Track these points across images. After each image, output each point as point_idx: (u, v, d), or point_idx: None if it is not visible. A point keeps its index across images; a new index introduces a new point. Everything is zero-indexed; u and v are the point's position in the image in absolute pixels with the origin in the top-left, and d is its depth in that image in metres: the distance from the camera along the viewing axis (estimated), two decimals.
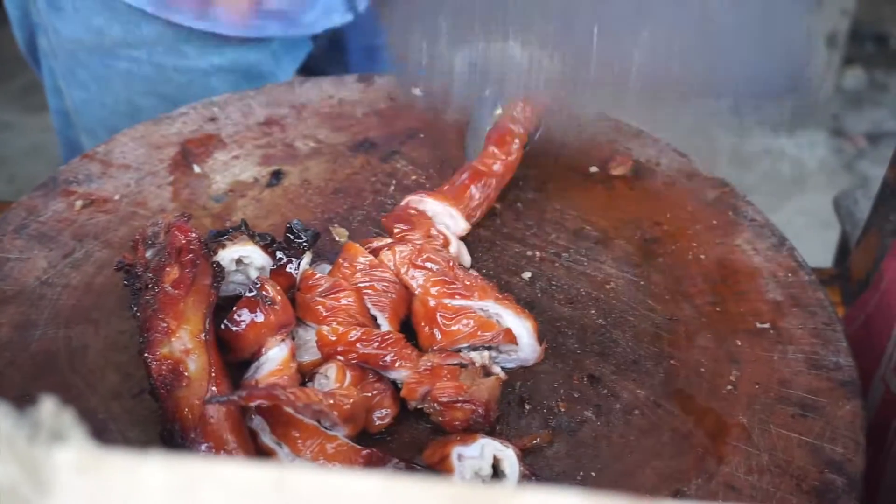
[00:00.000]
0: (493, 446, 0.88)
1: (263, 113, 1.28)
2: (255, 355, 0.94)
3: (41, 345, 0.97)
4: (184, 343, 0.89)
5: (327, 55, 1.62)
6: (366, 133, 1.26)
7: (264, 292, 0.94)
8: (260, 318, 0.94)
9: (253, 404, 0.81)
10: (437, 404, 0.92)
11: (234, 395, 0.81)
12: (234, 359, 0.95)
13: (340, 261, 1.01)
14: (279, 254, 0.99)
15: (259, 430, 0.87)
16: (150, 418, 0.91)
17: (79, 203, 1.12)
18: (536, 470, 0.89)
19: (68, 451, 0.40)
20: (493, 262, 1.10)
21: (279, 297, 0.95)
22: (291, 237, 0.99)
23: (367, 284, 0.99)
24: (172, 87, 1.43)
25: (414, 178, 1.20)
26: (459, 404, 0.92)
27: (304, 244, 0.99)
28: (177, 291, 0.92)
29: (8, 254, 1.05)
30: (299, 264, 0.99)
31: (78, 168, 1.17)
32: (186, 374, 0.88)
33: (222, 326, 0.94)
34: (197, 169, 1.19)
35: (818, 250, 2.32)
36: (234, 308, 0.94)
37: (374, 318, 0.98)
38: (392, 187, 1.19)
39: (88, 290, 1.03)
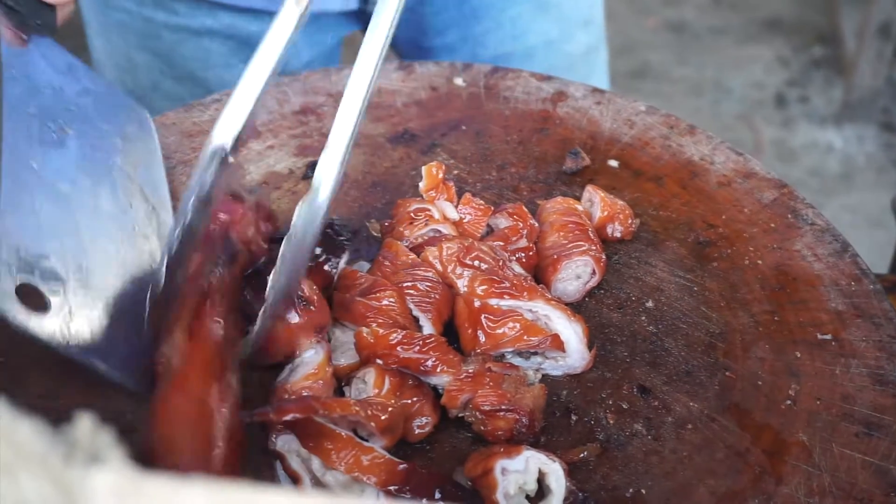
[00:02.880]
0: (539, 459, 0.83)
1: (299, 101, 1.23)
2: (289, 357, 0.90)
3: None
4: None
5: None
6: (406, 124, 1.21)
7: (300, 292, 0.90)
8: (294, 318, 0.89)
9: (287, 418, 0.77)
10: (479, 413, 0.87)
11: (265, 409, 0.76)
12: (266, 361, 0.91)
13: (381, 259, 0.97)
14: (317, 250, 0.94)
15: (285, 452, 0.82)
16: None
17: None
18: (583, 486, 0.84)
19: (106, 475, 0.38)
20: None
21: (315, 297, 0.90)
22: (331, 234, 0.94)
23: (409, 284, 0.94)
24: (165, 45, 1.39)
25: (456, 172, 1.15)
26: (502, 413, 0.87)
27: (345, 242, 0.95)
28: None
29: None
30: (339, 263, 0.95)
31: None
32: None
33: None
34: (230, 159, 1.15)
35: (867, 251, 2.25)
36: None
37: (417, 320, 0.94)
38: None
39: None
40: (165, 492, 0.39)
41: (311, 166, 1.15)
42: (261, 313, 0.88)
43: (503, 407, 0.87)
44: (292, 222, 0.87)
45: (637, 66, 3.49)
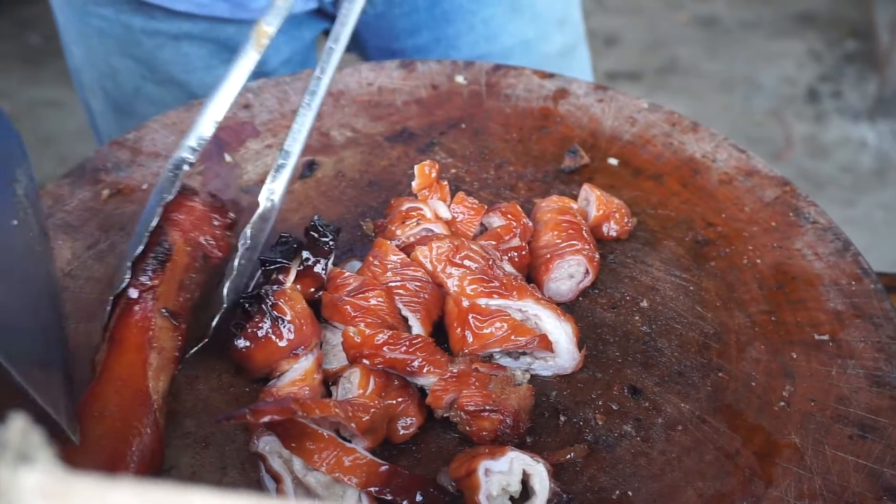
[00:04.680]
0: (523, 461, 0.83)
1: (299, 100, 1.23)
2: (271, 375, 0.90)
3: None
4: None
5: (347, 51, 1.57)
6: (405, 122, 1.21)
7: (277, 312, 0.89)
8: (271, 340, 0.89)
9: (265, 419, 0.77)
10: (464, 413, 0.87)
11: (241, 410, 0.76)
12: (248, 376, 0.91)
13: (370, 258, 0.97)
14: (305, 254, 0.94)
15: (266, 453, 0.83)
16: (171, 418, 0.88)
17: (105, 192, 1.09)
18: (569, 487, 0.83)
19: (35, 475, 0.38)
20: None
21: (299, 321, 0.90)
22: (316, 236, 0.94)
23: (398, 284, 0.94)
24: (145, 51, 1.39)
25: (453, 171, 1.15)
26: (487, 413, 0.86)
27: (330, 242, 0.94)
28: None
29: None
30: (327, 264, 0.94)
31: (107, 155, 1.14)
32: None
33: (236, 343, 0.90)
34: (228, 158, 1.15)
35: None
36: (246, 327, 0.90)
37: (406, 320, 0.93)
38: None
39: (111, 284, 1.00)
40: (94, 492, 0.39)
41: (309, 165, 1.15)
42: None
43: (487, 407, 0.86)
44: (246, 234, 0.96)
45: (666, 62, 3.45)
